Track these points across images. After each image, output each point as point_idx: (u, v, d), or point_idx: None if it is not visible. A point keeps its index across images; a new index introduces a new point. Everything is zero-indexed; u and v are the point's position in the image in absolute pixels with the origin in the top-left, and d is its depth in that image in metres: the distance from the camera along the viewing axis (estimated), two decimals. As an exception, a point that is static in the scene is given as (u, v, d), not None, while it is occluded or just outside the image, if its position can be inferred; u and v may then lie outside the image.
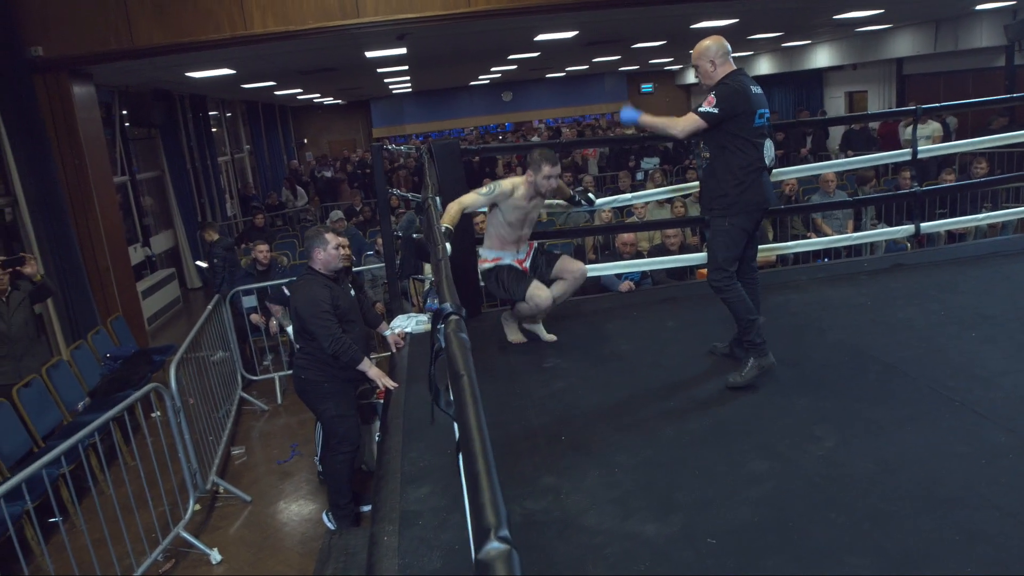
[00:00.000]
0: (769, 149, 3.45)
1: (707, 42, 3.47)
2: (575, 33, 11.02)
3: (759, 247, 3.87)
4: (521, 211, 3.99)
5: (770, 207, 3.54)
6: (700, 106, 3.39)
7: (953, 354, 3.59)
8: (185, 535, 4.33)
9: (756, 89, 3.43)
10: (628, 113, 3.71)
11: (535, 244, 4.27)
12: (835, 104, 18.65)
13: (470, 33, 9.63)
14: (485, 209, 4.10)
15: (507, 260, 4.10)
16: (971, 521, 2.33)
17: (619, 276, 5.46)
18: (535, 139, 19.02)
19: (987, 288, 4.53)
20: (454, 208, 3.82)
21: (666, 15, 9.75)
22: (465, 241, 4.51)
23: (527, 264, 4.16)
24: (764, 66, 20.84)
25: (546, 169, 3.88)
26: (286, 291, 5.09)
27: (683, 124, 3.46)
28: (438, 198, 4.12)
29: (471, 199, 3.94)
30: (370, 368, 3.98)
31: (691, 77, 25.22)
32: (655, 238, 6.84)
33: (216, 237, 7.51)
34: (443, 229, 3.45)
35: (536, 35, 10.78)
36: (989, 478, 2.55)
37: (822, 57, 17.82)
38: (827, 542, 2.29)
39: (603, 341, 4.18)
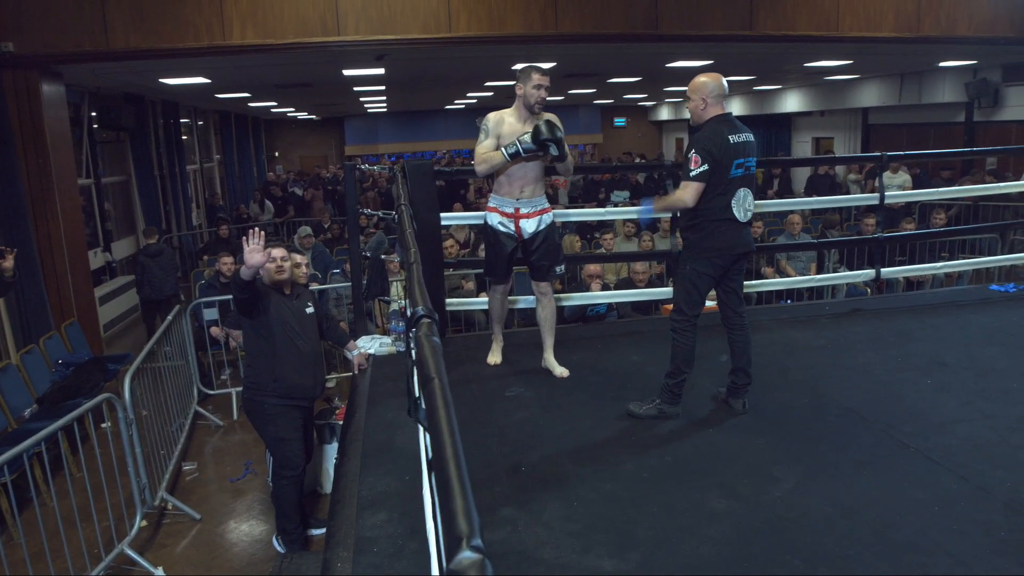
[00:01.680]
0: (744, 199, 3.40)
1: (704, 78, 3.44)
2: (553, 64, 11.14)
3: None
4: (515, 134, 3.75)
5: (736, 253, 3.44)
6: (689, 171, 3.33)
7: (909, 400, 3.66)
8: (129, 552, 4.20)
9: (738, 137, 3.36)
10: (645, 211, 3.90)
11: (548, 212, 3.97)
12: (803, 148, 19.08)
13: (448, 58, 9.68)
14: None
15: (505, 209, 3.89)
16: (924, 567, 2.35)
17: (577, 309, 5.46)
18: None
19: (943, 336, 4.63)
20: (482, 153, 3.81)
21: (643, 52, 9.92)
22: (432, 263, 4.49)
23: (525, 230, 3.91)
24: (736, 107, 21.24)
25: (536, 77, 3.73)
26: None
27: (690, 195, 3.37)
28: (409, 208, 4.07)
29: (482, 148, 3.83)
30: (243, 267, 3.72)
31: (664, 114, 25.65)
32: (622, 271, 6.89)
33: (150, 242, 8.09)
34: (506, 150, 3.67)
35: (514, 63, 10.87)
36: (941, 524, 2.59)
37: (792, 102, 18.25)
38: (783, 584, 2.30)
39: (571, 371, 4.16)
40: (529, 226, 3.93)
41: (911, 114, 14.57)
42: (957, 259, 7.38)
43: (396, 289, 5.46)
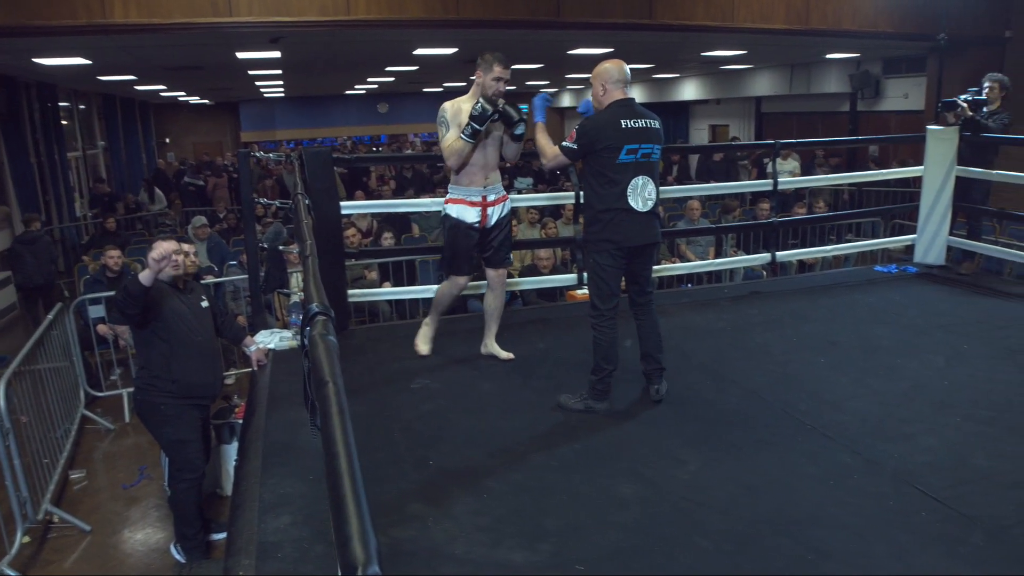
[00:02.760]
0: (643, 188, 3.34)
1: (606, 64, 3.45)
2: (454, 50, 11.03)
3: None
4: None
5: (635, 244, 3.38)
6: (565, 140, 3.39)
7: (805, 379, 3.80)
8: (10, 573, 3.90)
9: (634, 123, 3.34)
10: (539, 109, 3.73)
11: (507, 200, 3.92)
12: (699, 135, 19.65)
13: (348, 42, 9.43)
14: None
15: (472, 199, 3.79)
16: (822, 541, 2.43)
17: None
18: (408, 151, 18.89)
19: (834, 316, 4.84)
20: (448, 146, 3.70)
21: (544, 39, 9.93)
22: (333, 254, 4.36)
23: (491, 218, 3.84)
24: (636, 95, 21.44)
25: (497, 70, 3.67)
26: None
27: (549, 156, 3.49)
28: (306, 197, 3.92)
29: (447, 141, 3.70)
30: (146, 271, 3.57)
31: (566, 101, 25.87)
32: (526, 258, 6.89)
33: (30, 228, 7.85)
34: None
35: (415, 49, 10.71)
36: (837, 498, 2.69)
37: (689, 90, 18.73)
38: (692, 566, 2.33)
39: (474, 362, 4.13)
40: (495, 213, 3.87)
41: (801, 103, 15.21)
42: (844, 242, 7.75)
43: (296, 281, 5.28)
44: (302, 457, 2.94)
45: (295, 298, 4.83)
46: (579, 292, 5.27)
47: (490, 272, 4.03)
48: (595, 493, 2.75)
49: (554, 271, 5.98)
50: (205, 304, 3.99)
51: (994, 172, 5.54)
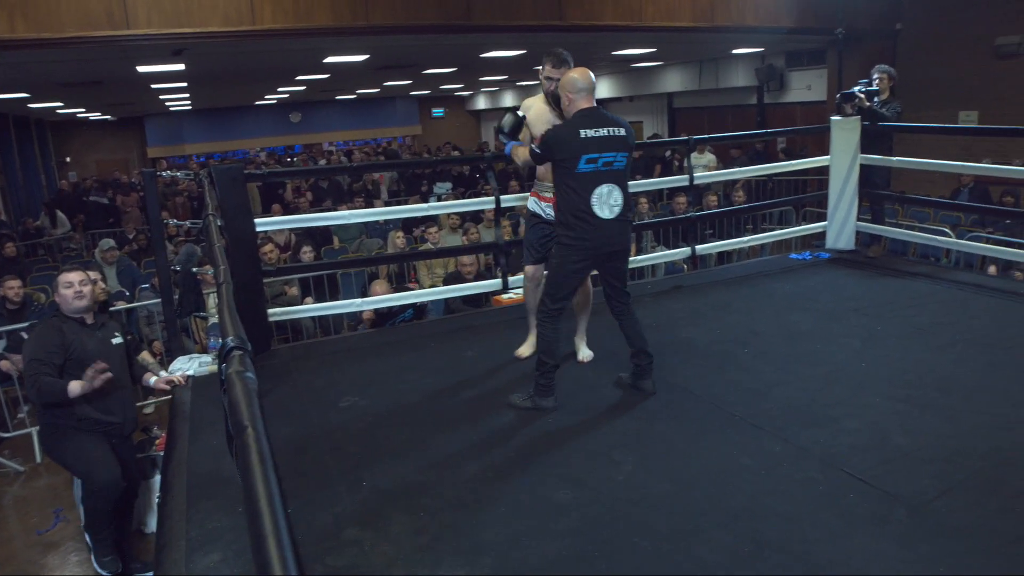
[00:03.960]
0: (608, 196, 3.36)
1: (573, 74, 3.46)
2: (365, 57, 10.88)
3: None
4: (546, 125, 3.69)
5: (602, 252, 3.44)
6: (533, 144, 3.55)
7: (731, 370, 3.87)
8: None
9: (595, 132, 3.35)
10: (509, 144, 3.87)
11: None
12: (615, 133, 19.93)
13: (255, 52, 9.19)
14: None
15: (544, 194, 3.93)
16: (757, 531, 2.47)
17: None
18: (322, 163, 18.54)
19: (754, 306, 4.95)
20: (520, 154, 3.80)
21: (456, 44, 9.90)
22: (250, 273, 4.23)
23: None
24: (549, 95, 21.80)
25: (546, 69, 3.78)
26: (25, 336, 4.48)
27: (521, 155, 3.68)
28: (218, 220, 3.78)
29: (521, 150, 3.79)
30: (79, 384, 3.47)
31: (481, 103, 25.90)
32: (450, 264, 6.84)
33: None
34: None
35: (325, 57, 10.52)
36: (769, 487, 2.74)
37: (602, 89, 18.96)
38: (633, 567, 2.33)
39: (402, 374, 4.06)
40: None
41: (710, 98, 15.61)
42: (760, 232, 7.97)
43: (213, 302, 5.09)
44: (229, 488, 2.81)
45: (213, 320, 4.65)
46: (505, 297, 5.25)
47: (537, 273, 4.16)
48: (533, 501, 2.73)
49: (478, 277, 5.94)
50: (117, 340, 3.80)
51: (894, 158, 5.80)
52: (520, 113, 3.89)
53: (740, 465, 2.92)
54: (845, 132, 5.78)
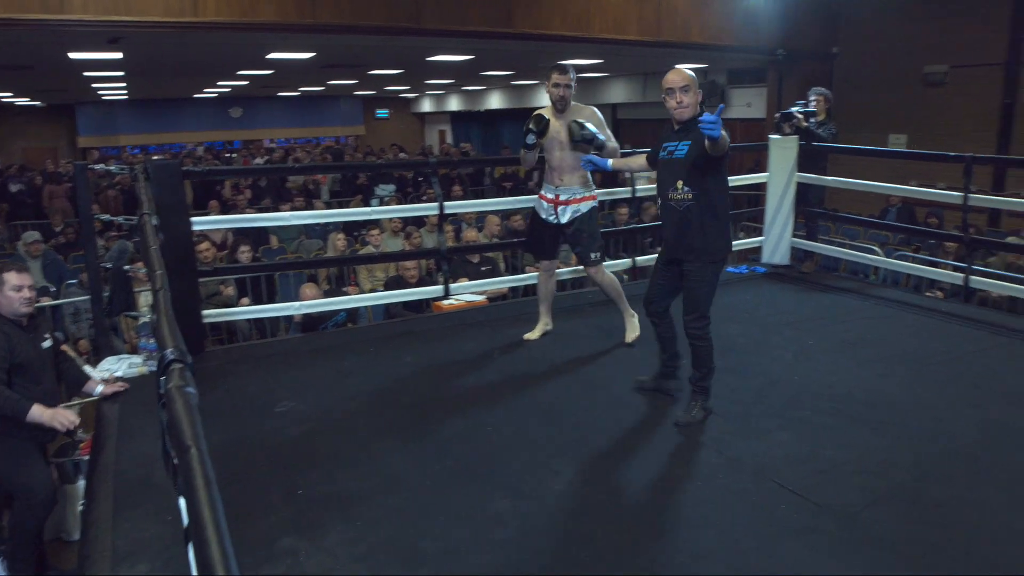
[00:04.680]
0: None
1: (691, 72, 3.40)
2: (311, 55, 10.73)
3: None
4: (556, 132, 4.10)
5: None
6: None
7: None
8: None
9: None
10: (600, 162, 3.96)
11: (586, 201, 4.25)
12: (559, 141, 20.07)
13: (197, 44, 8.97)
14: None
15: (547, 195, 4.28)
16: (695, 541, 2.52)
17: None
18: (258, 161, 18.18)
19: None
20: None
21: (405, 46, 9.85)
22: (185, 272, 4.12)
23: (561, 216, 4.24)
24: (495, 101, 21.89)
25: (554, 77, 4.07)
26: None
27: (636, 162, 3.92)
28: (154, 216, 3.66)
29: (637, 159, 4.02)
30: (42, 413, 3.33)
31: (426, 106, 25.81)
32: (390, 269, 6.77)
33: None
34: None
35: (269, 53, 10.34)
36: (705, 498, 2.79)
37: (547, 97, 19.06)
38: (569, 579, 2.35)
39: (340, 380, 4.00)
40: (566, 212, 4.25)
41: (655, 110, 15.83)
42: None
43: (145, 300, 4.94)
44: (159, 496, 2.73)
45: (144, 320, 4.51)
46: (446, 303, 5.23)
47: (586, 270, 4.46)
48: (472, 511, 2.72)
49: (420, 282, 5.91)
50: (47, 343, 3.64)
51: (828, 178, 5.99)
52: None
53: (676, 476, 2.97)
54: (783, 151, 5.94)
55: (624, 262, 6.01)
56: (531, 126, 4.09)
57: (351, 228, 9.11)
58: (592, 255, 4.33)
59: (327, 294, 5.80)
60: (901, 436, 3.30)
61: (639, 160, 3.96)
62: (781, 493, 2.81)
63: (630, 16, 8.98)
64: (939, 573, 2.37)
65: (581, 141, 4.04)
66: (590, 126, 4.04)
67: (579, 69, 14.03)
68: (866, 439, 3.26)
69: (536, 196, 4.46)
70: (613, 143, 4.19)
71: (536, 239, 4.48)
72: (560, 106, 4.13)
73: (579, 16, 8.65)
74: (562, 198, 4.27)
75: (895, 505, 2.74)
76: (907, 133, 10.82)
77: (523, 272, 6.88)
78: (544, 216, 4.34)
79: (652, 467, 3.03)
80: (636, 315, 4.43)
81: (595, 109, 4.28)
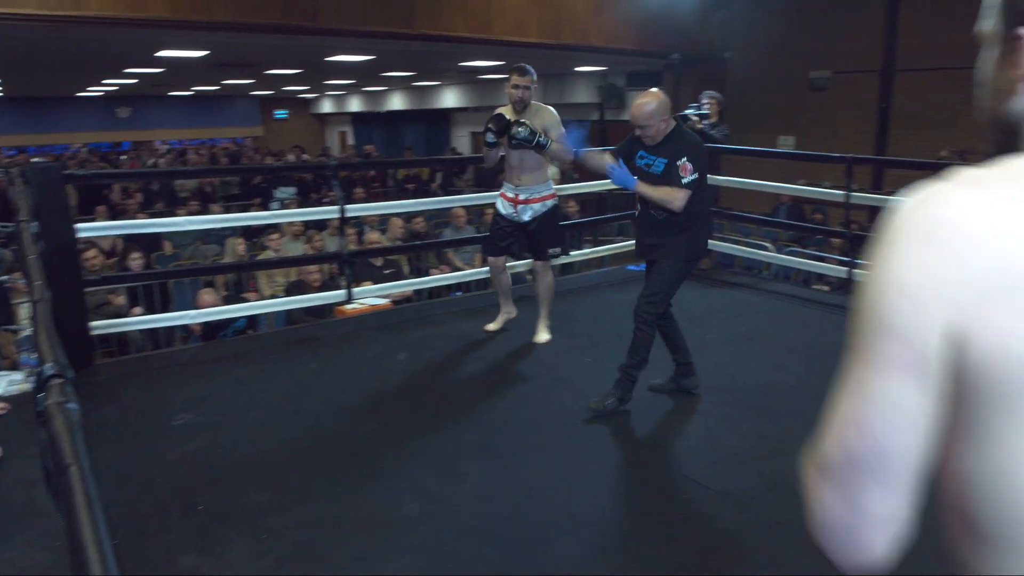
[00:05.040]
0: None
1: (652, 104, 3.42)
2: (204, 53, 10.35)
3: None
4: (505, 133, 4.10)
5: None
6: (682, 178, 3.33)
7: (574, 379, 3.98)
8: None
9: None
10: (622, 177, 3.54)
11: (547, 200, 4.31)
12: (462, 143, 20.10)
13: (79, 39, 8.50)
14: None
15: (507, 194, 4.34)
16: (604, 535, 2.56)
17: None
18: (151, 162, 17.45)
19: (596, 316, 5.13)
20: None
21: (303, 45, 9.63)
22: (69, 283, 3.89)
23: (522, 215, 4.30)
24: (397, 102, 21.69)
25: (513, 78, 4.13)
26: None
27: (680, 199, 3.37)
28: (33, 223, 3.45)
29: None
30: None
31: (326, 107, 25.32)
32: (291, 274, 6.61)
33: None
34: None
35: (159, 50, 9.91)
36: (614, 493, 2.85)
37: (450, 98, 19.09)
38: (480, 580, 2.35)
39: (241, 389, 3.88)
40: (527, 211, 4.30)
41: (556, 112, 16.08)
42: (599, 244, 8.27)
43: (26, 312, 4.64)
44: (44, 520, 2.57)
45: (26, 333, 4.24)
46: (349, 307, 5.15)
47: (533, 263, 4.53)
48: (381, 516, 2.68)
49: (323, 287, 5.78)
50: None
51: (721, 177, 6.22)
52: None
53: (584, 471, 3.01)
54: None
55: (526, 263, 6.05)
56: (491, 125, 4.13)
57: (250, 232, 8.83)
58: (550, 251, 4.39)
59: (226, 300, 5.59)
60: (795, 423, 3.45)
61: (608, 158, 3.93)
62: (685, 483, 2.90)
63: (530, 19, 9.07)
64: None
65: (522, 140, 4.03)
66: (523, 130, 4.03)
67: (479, 70, 14.13)
68: (762, 427, 3.41)
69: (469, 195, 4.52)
70: (561, 143, 4.14)
71: (492, 237, 4.51)
72: (519, 107, 4.16)
73: (480, 18, 8.67)
74: (522, 197, 4.31)
75: (791, 490, 2.85)
76: (795, 135, 11.36)
77: (427, 274, 6.85)
78: (505, 214, 4.38)
79: (560, 462, 3.07)
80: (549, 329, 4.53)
81: (552, 109, 4.29)
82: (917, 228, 0.67)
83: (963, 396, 0.67)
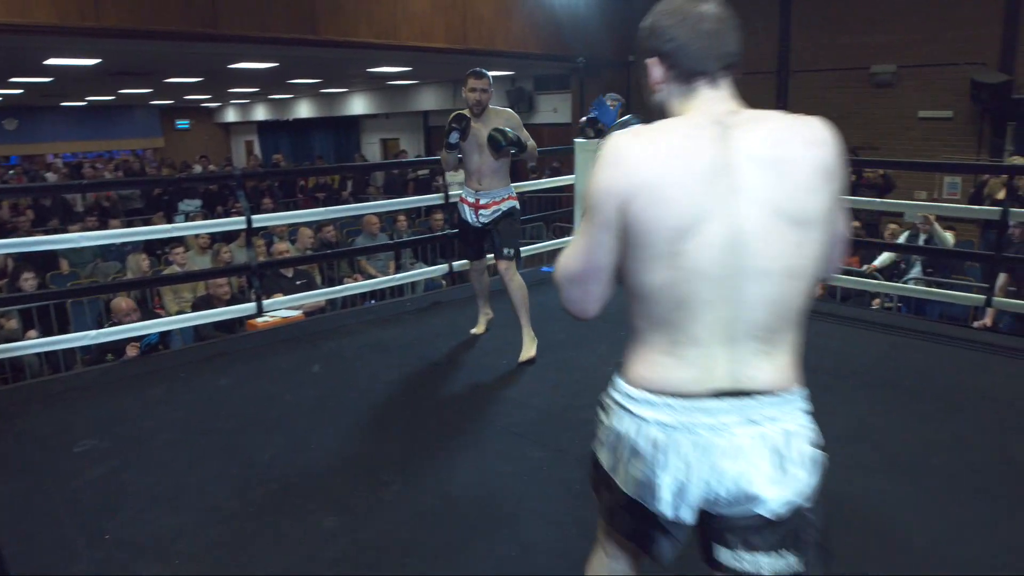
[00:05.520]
0: None
1: None
2: (96, 61, 9.92)
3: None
4: (472, 135, 4.12)
5: None
6: None
7: (492, 382, 4.00)
8: None
9: None
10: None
11: (506, 201, 4.27)
12: (371, 149, 19.89)
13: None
14: None
15: (467, 198, 4.32)
16: (526, 535, 2.58)
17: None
18: (51, 176, 16.65)
19: (511, 318, 5.09)
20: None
21: (203, 52, 9.35)
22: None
23: (482, 219, 4.28)
24: (304, 110, 21.31)
25: (469, 82, 4.08)
26: None
27: None
28: None
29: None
30: None
31: (231, 116, 24.64)
32: (198, 288, 6.41)
33: None
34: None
35: (47, 58, 9.44)
36: (533, 492, 2.87)
37: (359, 105, 18.87)
38: (403, 590, 2.33)
39: (148, 410, 3.73)
40: (486, 214, 4.27)
41: (465, 117, 16.10)
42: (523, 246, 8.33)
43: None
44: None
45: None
46: (260, 320, 5.03)
47: (497, 264, 4.36)
48: (299, 532, 2.63)
49: (232, 300, 5.63)
50: None
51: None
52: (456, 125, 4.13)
53: (504, 472, 3.03)
54: (587, 153, 6.25)
55: (442, 268, 6.06)
56: (453, 124, 4.09)
57: (153, 247, 8.51)
58: (506, 250, 4.32)
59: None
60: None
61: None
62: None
63: (437, 24, 9.07)
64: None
65: (507, 147, 4.05)
66: (509, 131, 4.04)
67: (387, 76, 14.04)
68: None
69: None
70: (531, 142, 4.20)
71: (463, 242, 4.51)
72: (477, 111, 4.13)
73: (386, 24, 8.62)
74: (482, 201, 4.27)
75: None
76: (698, 135, 11.72)
77: (340, 284, 6.76)
78: (467, 219, 4.36)
79: (480, 466, 3.08)
80: (536, 339, 4.36)
81: (512, 112, 4.27)
82: (605, 157, 1.29)
83: (627, 240, 1.28)
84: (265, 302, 4.96)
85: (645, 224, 1.23)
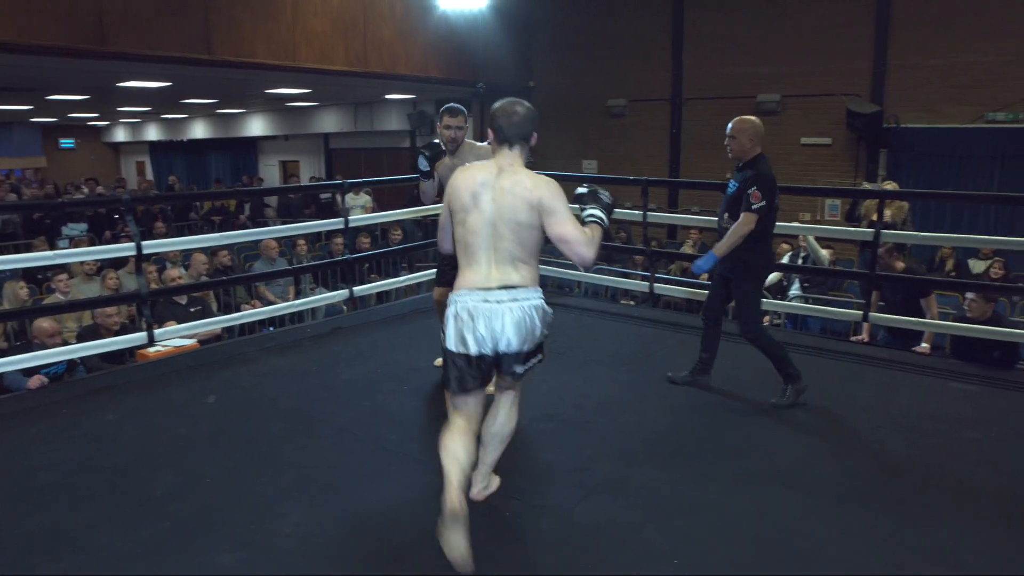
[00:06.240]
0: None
1: (754, 120, 3.91)
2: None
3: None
4: (448, 171, 3.80)
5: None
6: (752, 204, 3.79)
7: (392, 409, 3.96)
8: None
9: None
10: (705, 263, 4.00)
11: None
12: (270, 171, 19.44)
13: None
14: None
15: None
16: (427, 563, 2.57)
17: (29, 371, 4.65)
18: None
19: (413, 343, 5.14)
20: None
21: (90, 69, 8.94)
22: None
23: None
24: (199, 130, 20.68)
25: (445, 119, 3.99)
26: None
27: (748, 226, 3.82)
28: None
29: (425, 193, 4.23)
30: None
31: (120, 135, 23.60)
32: (84, 318, 6.09)
33: None
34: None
35: (-89, 75, 8.85)
36: (434, 518, 2.86)
37: (257, 126, 18.46)
38: (301, 624, 2.28)
39: (29, 449, 3.51)
40: None
41: (366, 139, 16.02)
42: (415, 271, 8.31)
43: None
44: None
45: None
46: (151, 350, 4.83)
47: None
48: (195, 569, 2.53)
49: (123, 330, 5.38)
50: None
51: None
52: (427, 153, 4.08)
53: (406, 500, 3.01)
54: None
55: (342, 293, 5.98)
56: (425, 152, 4.05)
57: (34, 274, 8.03)
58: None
59: (4, 353, 5.05)
60: (606, 432, 3.66)
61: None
62: (505, 501, 2.97)
63: (337, 47, 9.01)
64: (648, 554, 2.66)
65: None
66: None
67: (287, 97, 13.81)
68: (577, 439, 3.57)
69: None
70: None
71: (441, 268, 4.34)
72: (452, 147, 4.01)
73: (284, 45, 8.50)
74: None
75: (603, 496, 3.04)
76: (597, 159, 12.05)
77: (237, 310, 6.58)
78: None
79: (381, 496, 3.05)
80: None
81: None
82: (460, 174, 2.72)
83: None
84: (157, 331, 4.77)
85: (452, 205, 2.67)
